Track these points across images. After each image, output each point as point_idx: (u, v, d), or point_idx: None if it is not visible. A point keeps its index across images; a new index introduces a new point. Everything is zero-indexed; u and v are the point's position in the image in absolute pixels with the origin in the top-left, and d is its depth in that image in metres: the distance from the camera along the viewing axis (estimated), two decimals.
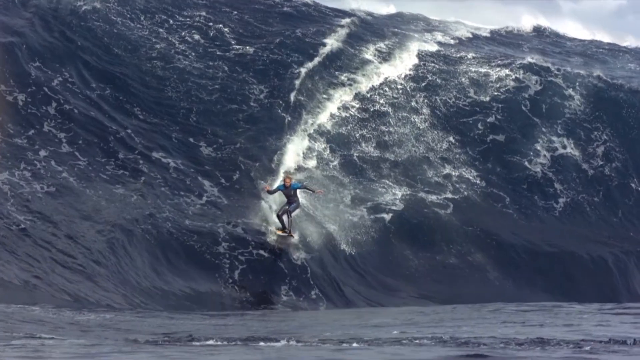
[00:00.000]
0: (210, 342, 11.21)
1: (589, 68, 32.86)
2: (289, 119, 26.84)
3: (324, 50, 30.57)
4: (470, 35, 34.91)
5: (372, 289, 23.28)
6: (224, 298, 20.71)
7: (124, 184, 23.03)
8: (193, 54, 29.02)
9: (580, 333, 11.60)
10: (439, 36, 33.49)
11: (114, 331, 12.63)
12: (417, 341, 10.98)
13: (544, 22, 38.11)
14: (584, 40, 39.25)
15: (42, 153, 22.95)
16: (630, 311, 15.51)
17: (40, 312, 14.17)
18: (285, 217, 21.86)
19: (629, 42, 40.83)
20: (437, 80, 30.33)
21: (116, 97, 26.21)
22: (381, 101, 28.95)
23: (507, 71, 30.84)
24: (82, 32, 28.11)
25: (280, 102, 27.45)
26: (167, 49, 28.95)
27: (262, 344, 11.03)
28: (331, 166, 26.13)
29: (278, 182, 22.79)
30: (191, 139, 25.63)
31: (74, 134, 24.16)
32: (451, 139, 28.25)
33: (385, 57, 31.13)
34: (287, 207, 21.80)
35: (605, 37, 40.30)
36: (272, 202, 23.21)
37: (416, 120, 28.58)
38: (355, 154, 26.86)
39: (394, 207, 25.33)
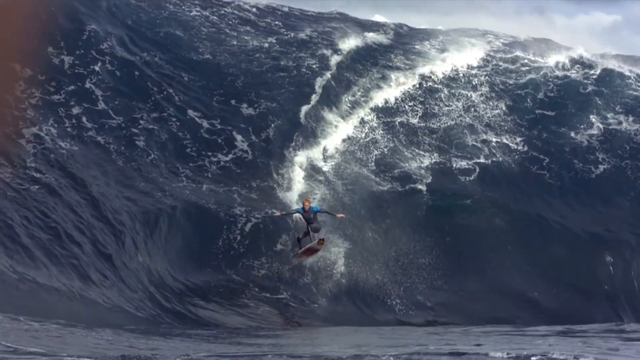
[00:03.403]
0: None
1: None
2: (334, 86, 27.03)
3: (376, 40, 30.78)
4: (515, 40, 34.30)
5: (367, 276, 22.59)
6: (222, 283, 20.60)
7: (148, 142, 22.99)
8: (245, 37, 28.92)
9: None
10: (491, 37, 32.91)
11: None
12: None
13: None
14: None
15: (75, 110, 22.81)
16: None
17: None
18: (307, 238, 20.62)
19: None
20: (499, 65, 30.29)
21: (162, 64, 26.08)
22: (436, 79, 28.91)
23: (565, 60, 31.02)
24: (130, 13, 28.11)
25: (329, 73, 27.56)
26: (218, 33, 28.87)
27: None
28: (375, 133, 26.19)
29: (296, 205, 22.10)
30: (233, 101, 25.46)
31: (112, 93, 24.05)
32: (503, 106, 28.36)
33: (441, 49, 30.91)
34: (306, 229, 20.67)
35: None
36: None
37: (472, 95, 28.56)
38: (397, 120, 26.78)
39: (423, 174, 25.43)
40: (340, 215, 21.35)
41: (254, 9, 31.20)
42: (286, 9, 32.64)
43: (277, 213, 21.22)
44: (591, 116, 28.84)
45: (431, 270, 22.97)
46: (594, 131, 28.33)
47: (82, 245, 18.47)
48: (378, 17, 35.11)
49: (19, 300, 15.26)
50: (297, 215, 21.10)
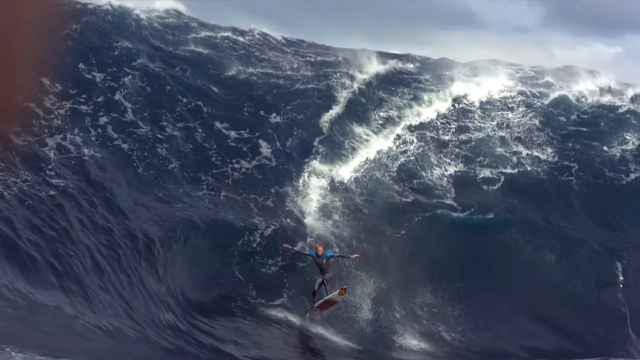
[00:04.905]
0: None
1: None
2: (364, 102, 27.06)
3: (404, 66, 30.92)
4: (542, 68, 34.09)
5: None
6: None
7: (174, 151, 22.94)
8: (273, 58, 29.08)
9: None
10: (517, 66, 32.74)
11: None
12: None
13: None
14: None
15: (103, 120, 22.70)
16: None
17: None
18: (322, 288, 18.85)
19: None
20: (532, 89, 30.03)
21: (193, 78, 26.19)
22: (469, 101, 28.68)
23: (595, 87, 30.74)
24: (159, 34, 28.27)
25: (357, 89, 27.63)
26: (247, 55, 29.04)
27: None
28: (405, 147, 25.95)
29: (309, 249, 20.76)
30: (262, 112, 25.41)
31: (141, 105, 24.01)
32: (537, 122, 28.11)
33: (473, 75, 30.78)
34: (320, 279, 18.94)
35: None
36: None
37: (507, 114, 28.31)
38: (428, 135, 26.59)
39: (445, 186, 25.17)
40: (354, 255, 19.91)
41: (279, 37, 31.41)
42: (310, 41, 32.88)
43: (289, 247, 19.75)
44: (625, 133, 28.55)
45: (443, 293, 22.30)
46: (629, 146, 27.97)
47: (91, 256, 17.84)
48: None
49: (10, 326, 14.15)
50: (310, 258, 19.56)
